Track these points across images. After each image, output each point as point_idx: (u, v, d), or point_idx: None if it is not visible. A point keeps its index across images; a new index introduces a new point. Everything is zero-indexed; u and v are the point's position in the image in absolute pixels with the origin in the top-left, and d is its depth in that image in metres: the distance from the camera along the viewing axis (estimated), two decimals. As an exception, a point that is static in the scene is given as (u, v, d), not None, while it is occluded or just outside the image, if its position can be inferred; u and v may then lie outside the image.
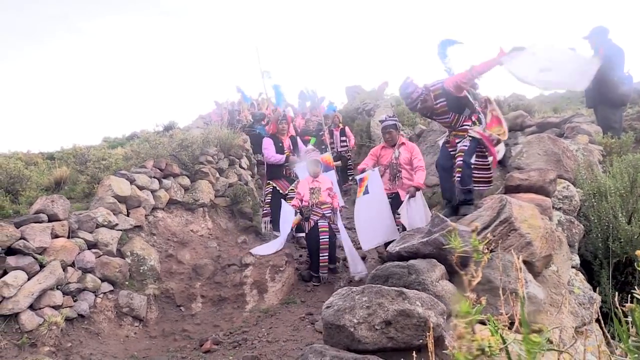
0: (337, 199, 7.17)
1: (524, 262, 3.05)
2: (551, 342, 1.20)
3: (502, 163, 7.37)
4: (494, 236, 2.92)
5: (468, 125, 5.20)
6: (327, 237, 6.73)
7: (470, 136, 5.13)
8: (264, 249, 7.04)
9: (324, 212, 6.80)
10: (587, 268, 4.44)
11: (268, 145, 8.05)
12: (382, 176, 6.17)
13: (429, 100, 5.19)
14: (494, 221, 3.09)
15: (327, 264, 6.80)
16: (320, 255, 6.71)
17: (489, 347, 1.03)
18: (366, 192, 6.14)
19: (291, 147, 8.17)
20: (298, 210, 6.93)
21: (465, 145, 5.16)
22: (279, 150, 7.99)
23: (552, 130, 7.62)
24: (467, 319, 1.06)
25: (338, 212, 6.99)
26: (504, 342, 1.11)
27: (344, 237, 6.77)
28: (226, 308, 6.31)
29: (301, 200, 6.91)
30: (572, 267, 4.00)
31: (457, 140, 5.28)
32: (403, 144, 6.05)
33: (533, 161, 4.84)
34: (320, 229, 6.72)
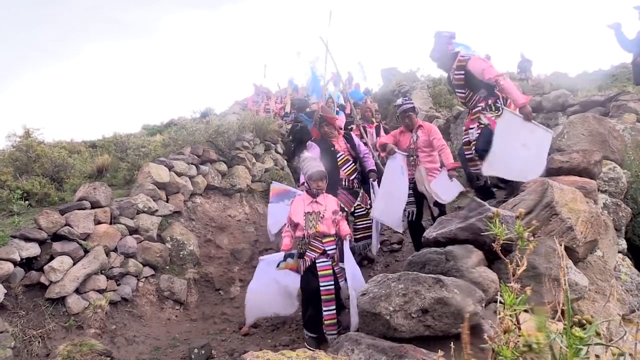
0: (345, 225, 4.84)
1: (565, 248, 2.96)
2: (599, 335, 1.13)
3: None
4: (537, 221, 2.83)
5: (481, 107, 4.94)
6: (331, 283, 4.56)
7: (481, 123, 4.88)
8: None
9: (325, 248, 4.65)
10: (635, 253, 4.28)
11: (310, 151, 5.77)
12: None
13: (448, 64, 5.14)
14: (537, 205, 3.00)
15: (334, 320, 4.54)
16: (325, 309, 4.50)
17: (537, 343, 0.98)
18: (403, 172, 5.79)
19: (349, 148, 5.99)
20: (289, 253, 4.84)
21: (476, 134, 4.95)
22: (330, 155, 5.72)
23: (597, 110, 7.34)
24: (512, 311, 1.02)
25: (348, 242, 4.64)
26: (549, 338, 1.06)
27: (352, 281, 4.38)
28: (264, 292, 6.38)
29: (294, 231, 4.86)
30: (619, 252, 3.86)
31: (470, 126, 5.06)
32: (420, 126, 5.83)
33: (575, 142, 4.65)
34: (320, 272, 4.57)
